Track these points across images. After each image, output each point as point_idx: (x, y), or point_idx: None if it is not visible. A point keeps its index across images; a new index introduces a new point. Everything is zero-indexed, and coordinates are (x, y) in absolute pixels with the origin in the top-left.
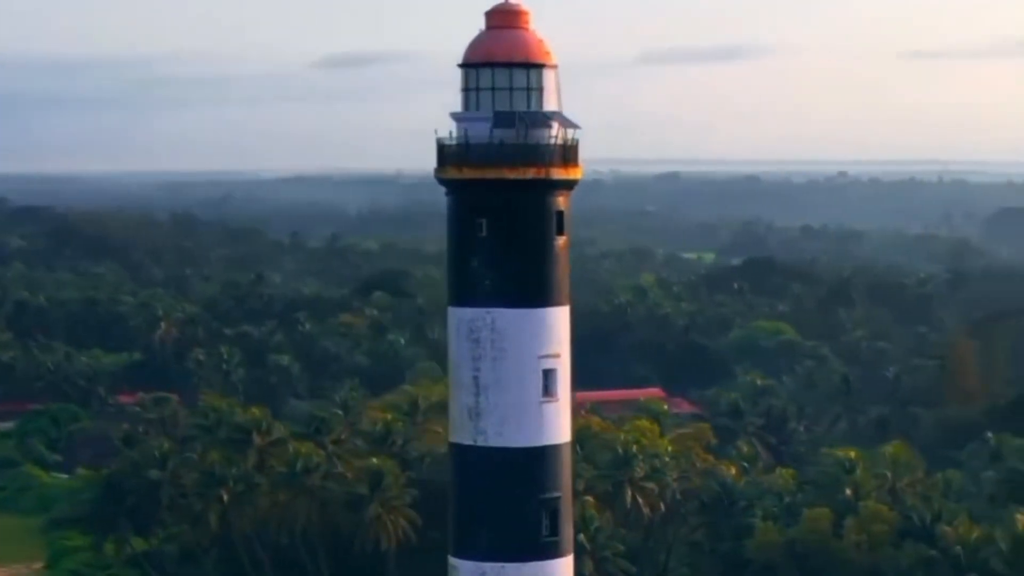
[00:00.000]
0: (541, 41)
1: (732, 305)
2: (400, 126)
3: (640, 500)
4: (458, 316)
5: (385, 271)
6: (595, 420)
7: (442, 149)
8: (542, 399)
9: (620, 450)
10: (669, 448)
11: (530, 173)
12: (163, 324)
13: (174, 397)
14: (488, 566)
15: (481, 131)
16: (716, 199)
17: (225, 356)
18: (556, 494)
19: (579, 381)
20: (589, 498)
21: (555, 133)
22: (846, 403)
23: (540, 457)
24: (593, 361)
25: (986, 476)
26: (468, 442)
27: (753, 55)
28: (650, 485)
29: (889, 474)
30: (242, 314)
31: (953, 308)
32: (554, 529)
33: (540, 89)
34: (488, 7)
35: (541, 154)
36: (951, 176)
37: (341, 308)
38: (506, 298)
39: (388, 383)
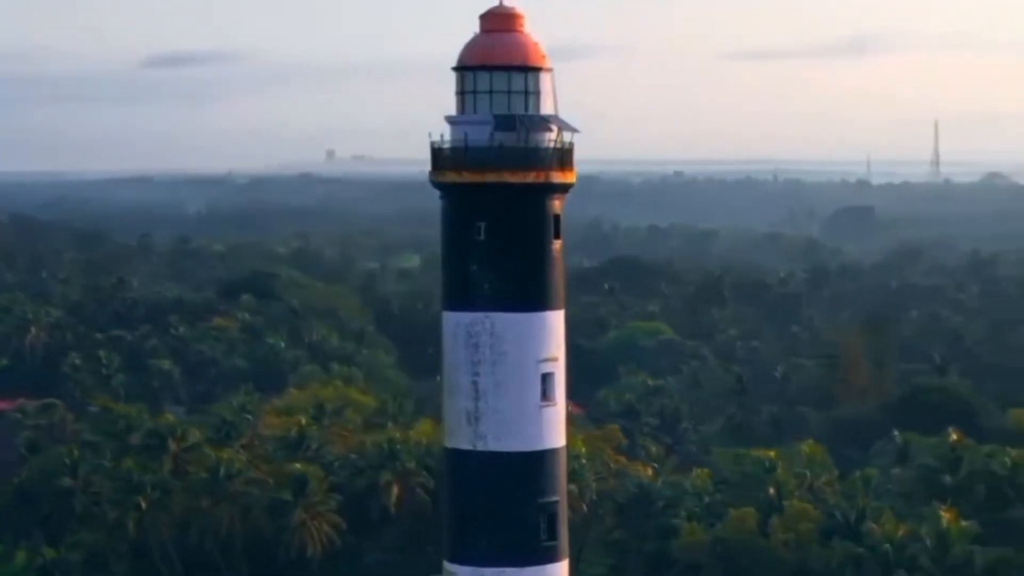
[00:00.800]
0: (537, 44)
1: (606, 306)
2: (230, 126)
3: None
4: (455, 320)
5: (252, 273)
6: None
7: (439, 152)
8: (541, 403)
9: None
10: (583, 450)
11: (530, 177)
12: (33, 329)
13: (59, 403)
14: (487, 571)
15: (478, 135)
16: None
17: (104, 360)
18: (554, 498)
19: None
20: None
21: (553, 136)
22: (740, 402)
23: (539, 461)
24: None
25: (894, 474)
26: (467, 447)
27: (582, 56)
28: (571, 487)
29: (808, 473)
30: (108, 318)
31: (818, 306)
32: (552, 533)
33: (537, 93)
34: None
35: (541, 158)
36: (785, 175)
37: (207, 311)
38: (505, 302)
39: (270, 387)
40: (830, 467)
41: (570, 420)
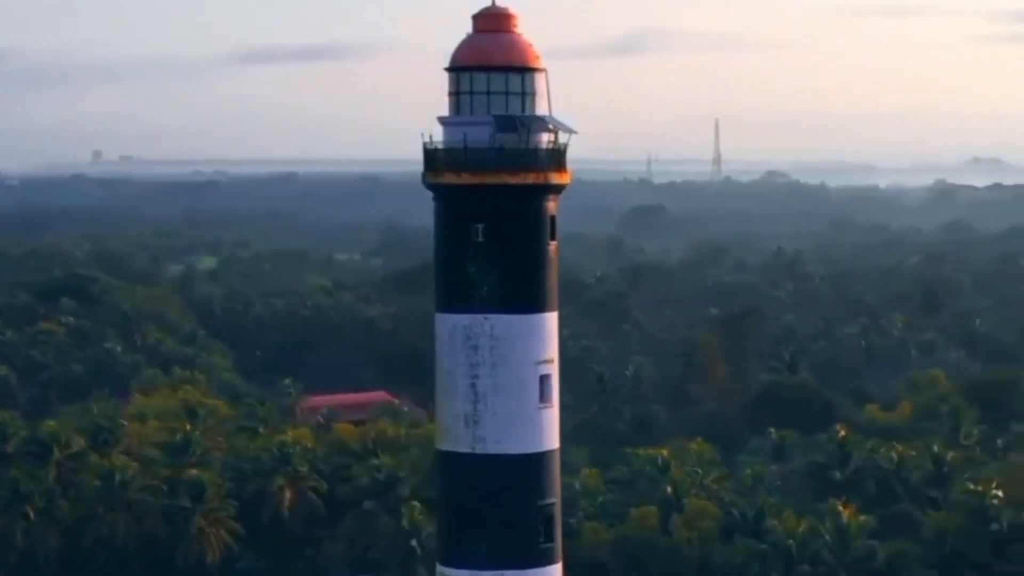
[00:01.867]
0: (531, 44)
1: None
2: None
3: None
4: (452, 322)
5: (69, 276)
6: (389, 425)
7: (434, 153)
8: (540, 405)
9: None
10: None
11: (531, 178)
12: None
13: None
14: (486, 575)
15: (478, 136)
16: (335, 199)
17: None
18: (552, 500)
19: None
20: (415, 503)
21: (552, 137)
22: (601, 401)
23: (538, 463)
24: (307, 365)
25: (773, 470)
26: (465, 450)
27: (356, 54)
28: None
29: (700, 471)
30: None
31: (640, 305)
32: (549, 535)
33: (533, 93)
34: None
35: (540, 159)
36: (578, 175)
37: (30, 315)
38: (505, 304)
39: (111, 392)
40: (720, 465)
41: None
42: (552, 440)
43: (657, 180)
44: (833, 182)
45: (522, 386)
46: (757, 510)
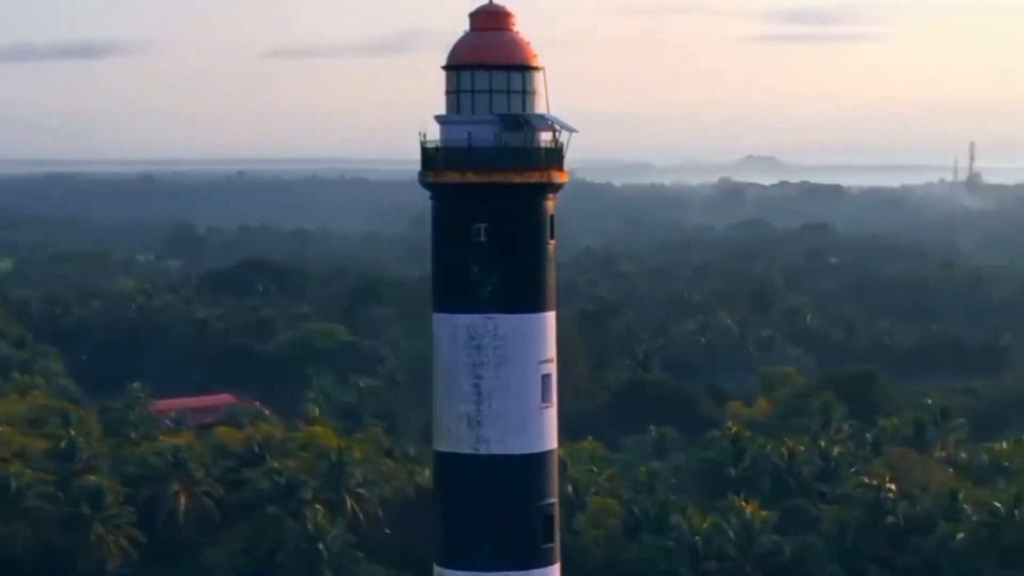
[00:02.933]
0: (529, 43)
1: (266, 308)
2: None
3: (357, 507)
4: (454, 323)
5: None
6: (275, 428)
7: (437, 152)
8: (541, 404)
9: (334, 458)
10: (358, 455)
11: (534, 177)
12: None
13: None
14: None
15: (482, 134)
16: (113, 199)
17: None
18: (552, 500)
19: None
20: (319, 507)
21: (552, 136)
22: None
23: (540, 463)
24: (139, 368)
25: (654, 467)
26: (467, 451)
27: (115, 53)
28: (363, 492)
29: (595, 469)
30: None
31: None
32: (549, 536)
33: (533, 92)
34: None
35: (542, 158)
36: (352, 174)
37: None
38: (509, 303)
39: None
40: (610, 463)
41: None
42: (552, 440)
43: None
44: (617, 180)
45: (525, 386)
46: (660, 507)
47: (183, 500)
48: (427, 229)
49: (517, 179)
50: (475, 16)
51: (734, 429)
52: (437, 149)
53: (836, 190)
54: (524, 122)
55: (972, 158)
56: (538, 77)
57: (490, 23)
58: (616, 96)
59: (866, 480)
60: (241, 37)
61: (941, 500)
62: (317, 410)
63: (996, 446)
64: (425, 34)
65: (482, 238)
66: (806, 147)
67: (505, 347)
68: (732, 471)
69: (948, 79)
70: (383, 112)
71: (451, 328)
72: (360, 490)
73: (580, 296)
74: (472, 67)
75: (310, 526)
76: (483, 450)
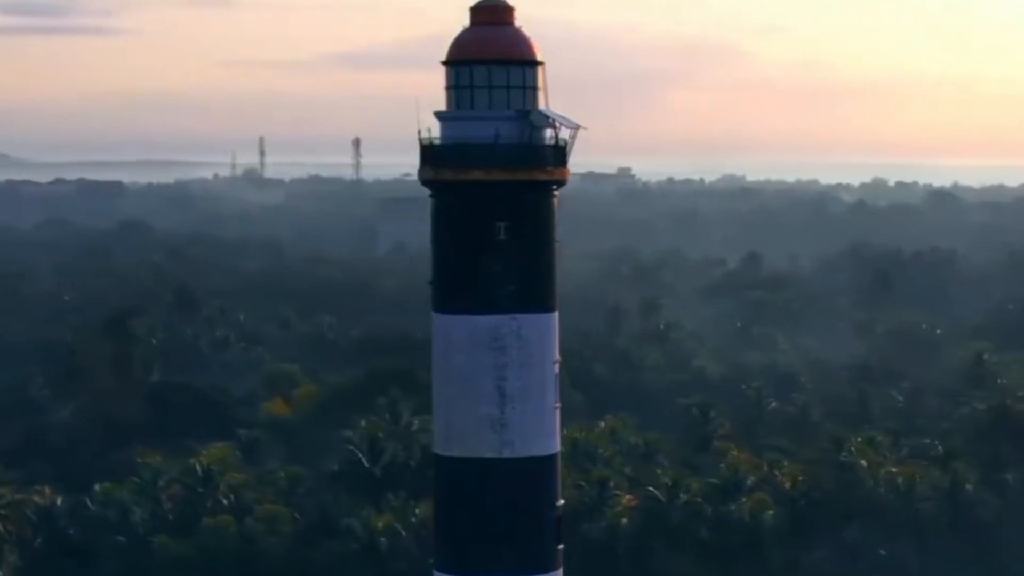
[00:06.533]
0: (529, 37)
1: None
2: None
3: None
4: (473, 324)
5: None
6: None
7: (453, 150)
8: (555, 405)
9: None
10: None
11: (556, 174)
12: None
13: None
14: None
15: (480, 131)
16: None
17: None
18: (562, 501)
19: None
20: None
21: (565, 133)
22: None
23: (555, 465)
24: None
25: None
26: (491, 455)
27: None
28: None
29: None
30: None
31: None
32: (559, 537)
33: (535, 87)
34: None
35: (555, 155)
36: None
37: None
38: (531, 303)
39: None
40: (242, 467)
41: None
42: (559, 440)
43: None
44: None
45: (544, 386)
46: (324, 510)
47: None
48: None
49: (542, 176)
50: (476, 10)
51: (370, 426)
52: (451, 147)
53: (117, 186)
54: (541, 118)
55: (262, 152)
56: (539, 72)
57: (492, 17)
58: None
59: None
60: None
61: None
62: None
63: None
64: None
65: (502, 236)
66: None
67: (527, 347)
68: (377, 471)
69: (193, 71)
70: None
71: (469, 329)
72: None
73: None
74: (473, 62)
75: None
76: (507, 453)
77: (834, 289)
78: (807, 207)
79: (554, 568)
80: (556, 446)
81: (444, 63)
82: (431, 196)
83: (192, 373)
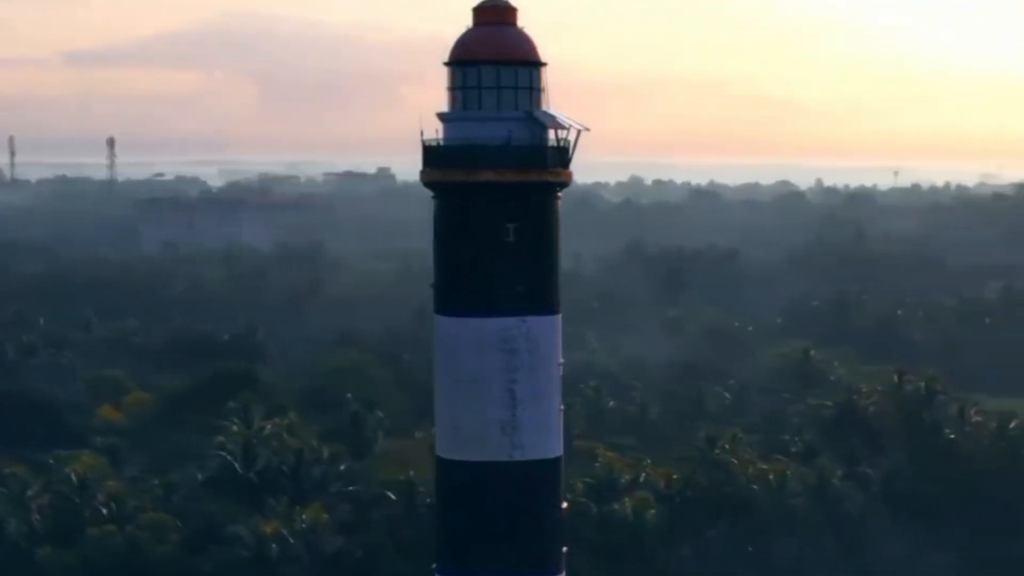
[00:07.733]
0: (531, 38)
1: None
2: None
3: None
4: (480, 326)
5: None
6: None
7: (462, 151)
8: (560, 407)
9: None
10: None
11: (561, 176)
12: None
13: None
14: None
15: (489, 132)
16: None
17: None
18: (563, 503)
19: None
20: None
21: (557, 133)
22: None
23: (561, 467)
24: None
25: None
26: (502, 458)
27: None
28: None
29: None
30: None
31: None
32: (563, 539)
33: (539, 88)
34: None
35: (561, 156)
36: None
37: None
38: (539, 305)
39: None
40: (112, 474)
41: None
42: (562, 443)
43: None
44: None
45: (552, 389)
46: (209, 519)
47: None
48: None
49: (552, 178)
50: (479, 11)
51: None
52: (464, 147)
53: None
54: (549, 120)
55: (13, 152)
56: (544, 73)
57: (496, 18)
58: None
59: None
60: None
61: None
62: None
63: None
64: None
65: (511, 238)
66: None
67: (537, 350)
68: (253, 476)
69: None
70: None
71: (478, 332)
72: None
73: None
74: (479, 63)
75: None
76: (518, 456)
77: (622, 287)
78: (573, 204)
79: (559, 570)
80: (560, 448)
81: (447, 64)
82: (434, 198)
83: None
